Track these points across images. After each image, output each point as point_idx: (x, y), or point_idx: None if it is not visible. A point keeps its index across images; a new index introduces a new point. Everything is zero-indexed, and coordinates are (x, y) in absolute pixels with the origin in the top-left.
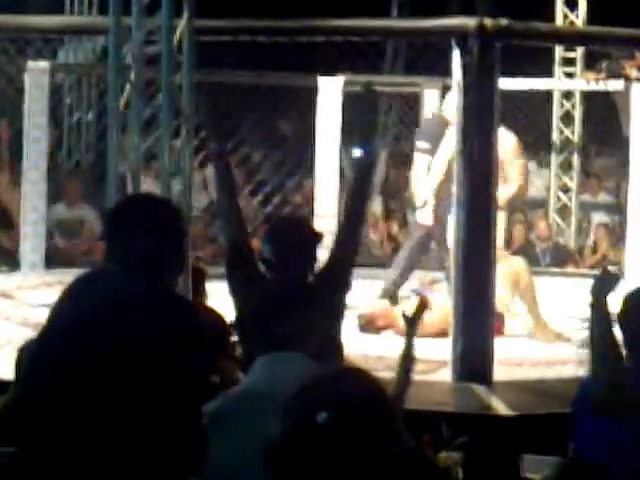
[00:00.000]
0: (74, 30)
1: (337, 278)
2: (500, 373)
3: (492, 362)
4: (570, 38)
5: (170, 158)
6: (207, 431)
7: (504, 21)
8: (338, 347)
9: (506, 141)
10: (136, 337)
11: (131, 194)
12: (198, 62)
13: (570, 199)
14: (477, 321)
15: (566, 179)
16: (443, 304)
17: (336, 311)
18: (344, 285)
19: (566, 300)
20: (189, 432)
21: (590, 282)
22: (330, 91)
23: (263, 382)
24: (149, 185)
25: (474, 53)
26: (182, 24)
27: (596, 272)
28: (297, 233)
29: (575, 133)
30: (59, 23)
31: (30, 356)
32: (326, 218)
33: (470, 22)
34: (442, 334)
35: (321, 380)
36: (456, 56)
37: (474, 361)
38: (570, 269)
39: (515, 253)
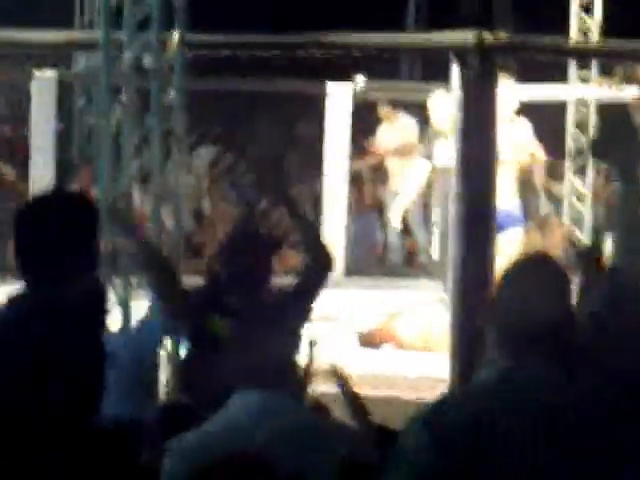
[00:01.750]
0: (79, 45)
1: (303, 302)
2: None
3: None
4: (574, 52)
5: (161, 179)
6: (182, 466)
7: (503, 35)
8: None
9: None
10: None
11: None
12: (210, 69)
13: (585, 207)
14: (476, 338)
15: (580, 187)
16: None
17: (296, 336)
18: (307, 310)
19: None
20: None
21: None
22: (340, 96)
23: (237, 421)
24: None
25: (473, 67)
26: (173, 42)
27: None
28: (244, 251)
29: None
30: (59, 38)
31: None
32: (335, 224)
33: (469, 37)
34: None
35: None
36: (455, 70)
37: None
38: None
39: None
